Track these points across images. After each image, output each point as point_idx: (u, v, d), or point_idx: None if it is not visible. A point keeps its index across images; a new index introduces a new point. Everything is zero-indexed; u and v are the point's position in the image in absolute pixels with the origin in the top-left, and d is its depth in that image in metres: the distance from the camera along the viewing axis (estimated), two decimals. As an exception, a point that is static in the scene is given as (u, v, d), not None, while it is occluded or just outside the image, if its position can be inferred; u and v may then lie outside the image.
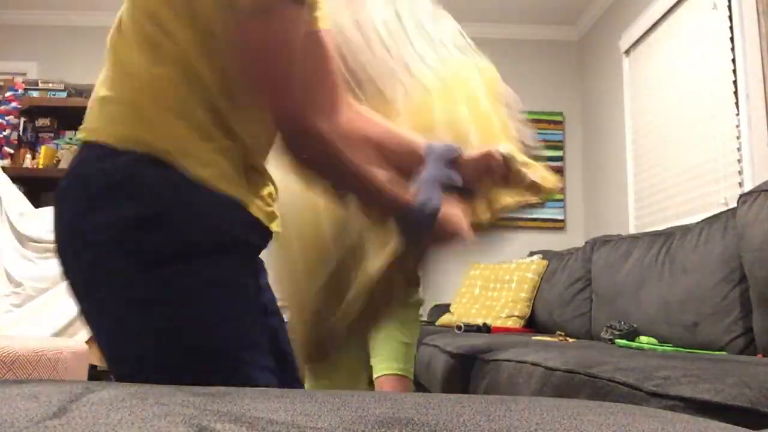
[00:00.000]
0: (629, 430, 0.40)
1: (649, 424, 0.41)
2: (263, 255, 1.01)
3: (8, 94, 3.76)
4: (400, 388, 1.82)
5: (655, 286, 2.33)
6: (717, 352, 1.91)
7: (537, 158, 1.16)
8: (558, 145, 4.51)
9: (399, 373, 1.82)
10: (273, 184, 1.00)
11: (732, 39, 2.71)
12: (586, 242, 3.24)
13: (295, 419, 0.41)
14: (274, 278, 1.10)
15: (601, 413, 0.43)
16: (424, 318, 3.98)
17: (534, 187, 1.12)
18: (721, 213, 2.20)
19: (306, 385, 1.63)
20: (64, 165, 3.79)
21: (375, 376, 1.84)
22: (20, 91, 3.80)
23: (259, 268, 1.02)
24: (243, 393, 0.49)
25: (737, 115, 2.66)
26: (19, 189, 3.60)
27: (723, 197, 2.75)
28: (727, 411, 1.01)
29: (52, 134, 3.96)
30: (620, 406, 0.47)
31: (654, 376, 1.17)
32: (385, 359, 1.83)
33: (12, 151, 3.76)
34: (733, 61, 2.70)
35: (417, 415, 0.41)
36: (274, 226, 0.96)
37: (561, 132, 4.53)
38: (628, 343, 2.15)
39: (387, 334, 1.83)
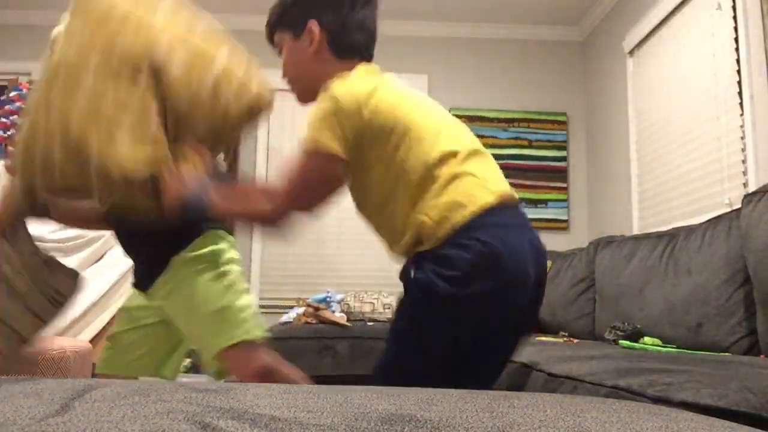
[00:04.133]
0: (633, 427, 0.40)
1: (653, 422, 0.41)
2: None
3: (12, 93, 3.77)
4: (248, 355, 1.46)
5: (658, 286, 2.32)
6: (721, 354, 1.90)
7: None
8: (561, 146, 4.50)
9: (244, 338, 1.46)
10: None
11: (736, 39, 2.70)
12: (589, 243, 3.23)
13: (298, 416, 0.40)
14: None
15: (604, 410, 0.43)
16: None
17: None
18: (725, 214, 2.20)
19: None
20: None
21: (214, 353, 1.46)
22: (24, 91, 3.80)
23: None
24: (245, 389, 0.49)
25: (741, 115, 2.65)
26: (23, 189, 3.61)
27: (727, 198, 2.74)
28: (731, 416, 1.00)
29: (56, 134, 3.96)
30: (624, 404, 0.46)
31: (657, 382, 1.17)
32: (211, 335, 1.47)
33: (16, 151, 3.76)
34: (738, 61, 2.69)
35: (420, 412, 0.41)
36: None
37: (564, 132, 4.52)
38: (632, 343, 2.14)
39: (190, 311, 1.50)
